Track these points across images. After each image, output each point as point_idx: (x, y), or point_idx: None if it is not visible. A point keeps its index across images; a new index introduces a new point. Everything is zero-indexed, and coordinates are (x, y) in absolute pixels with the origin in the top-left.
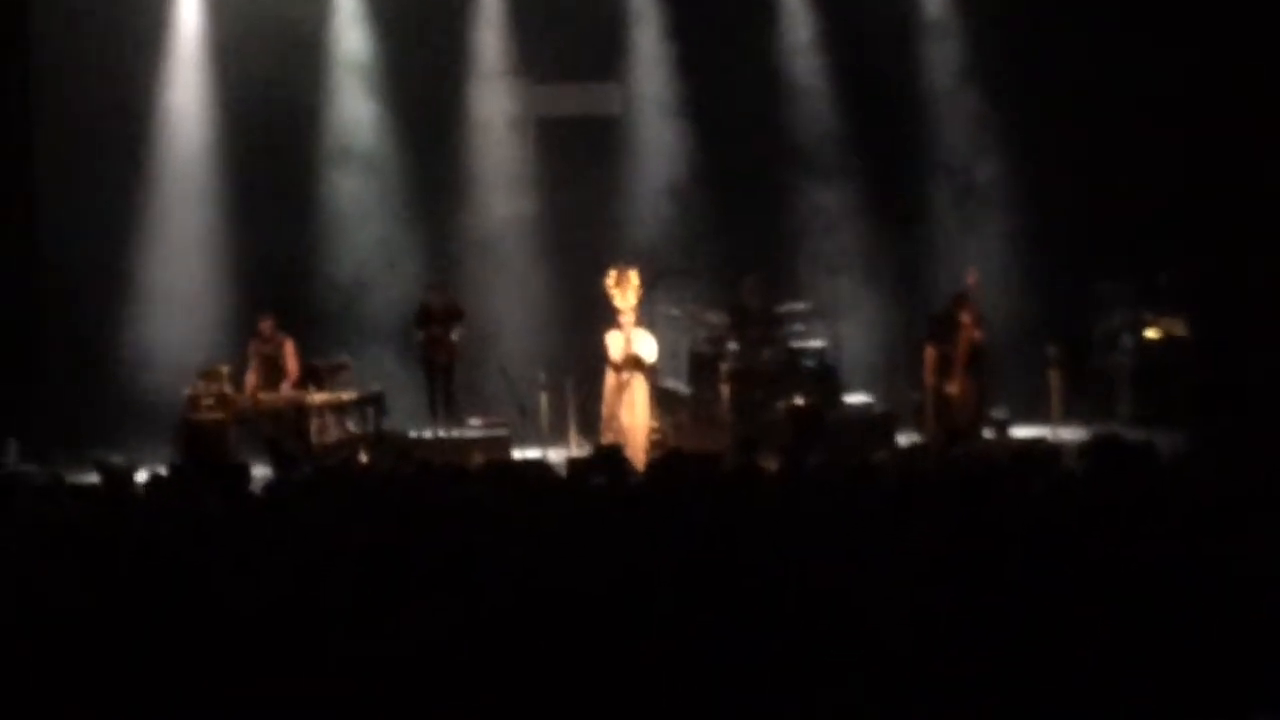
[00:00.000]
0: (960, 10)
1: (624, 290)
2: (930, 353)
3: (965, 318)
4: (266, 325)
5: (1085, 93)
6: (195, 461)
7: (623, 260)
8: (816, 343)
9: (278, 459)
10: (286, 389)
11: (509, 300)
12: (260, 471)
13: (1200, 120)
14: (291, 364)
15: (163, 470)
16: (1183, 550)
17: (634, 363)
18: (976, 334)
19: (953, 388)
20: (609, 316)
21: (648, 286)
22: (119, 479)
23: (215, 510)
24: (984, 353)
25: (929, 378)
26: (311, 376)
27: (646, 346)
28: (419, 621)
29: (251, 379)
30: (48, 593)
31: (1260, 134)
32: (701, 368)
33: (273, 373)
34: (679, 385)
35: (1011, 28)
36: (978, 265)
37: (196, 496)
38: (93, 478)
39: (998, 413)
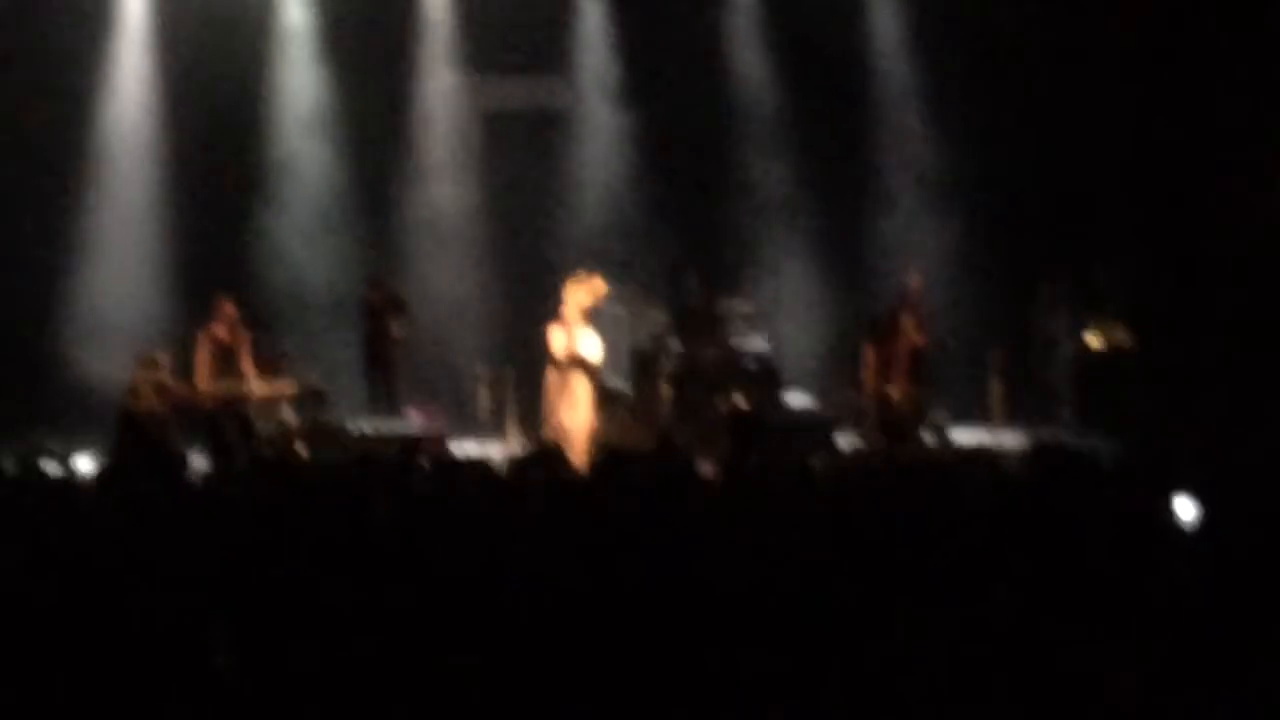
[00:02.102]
0: (909, 15)
1: (580, 291)
2: (870, 354)
3: (908, 320)
4: (230, 310)
5: (1034, 87)
6: (134, 451)
7: (585, 264)
8: (758, 342)
9: (217, 450)
10: (253, 382)
11: (451, 294)
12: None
13: (1145, 118)
14: (248, 359)
15: (102, 460)
16: (1123, 557)
17: (578, 362)
18: (919, 338)
19: (894, 391)
20: (551, 312)
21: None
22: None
23: (155, 500)
24: (925, 357)
25: (869, 380)
26: (262, 368)
27: (591, 345)
28: (361, 614)
29: (204, 368)
30: None
31: (1207, 130)
32: (642, 366)
33: (224, 363)
34: (620, 383)
35: (952, 11)
36: (920, 265)
37: (135, 486)
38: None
39: (937, 416)
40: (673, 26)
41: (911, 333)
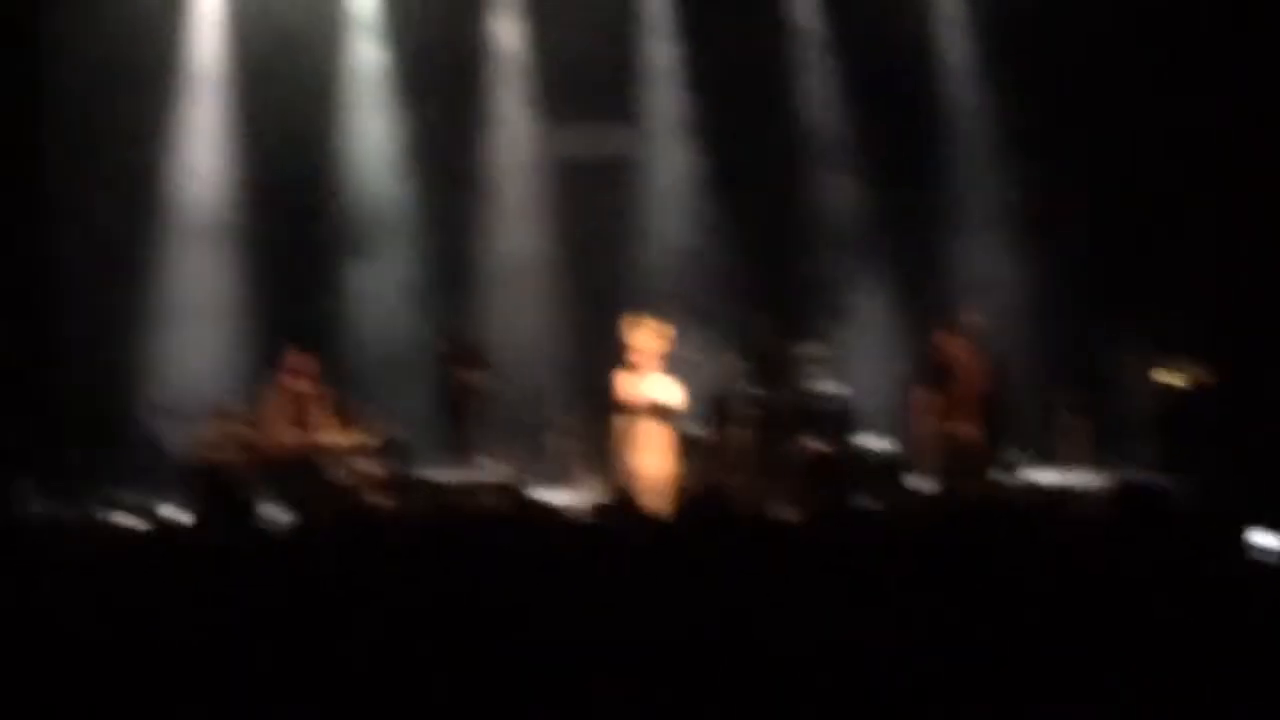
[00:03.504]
0: (978, 51)
1: (651, 337)
2: (921, 395)
3: (971, 359)
4: (304, 362)
5: (1103, 123)
6: (211, 504)
7: (656, 311)
8: (832, 386)
9: (295, 502)
10: (331, 433)
11: (526, 344)
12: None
13: (1226, 156)
14: (325, 410)
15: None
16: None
17: (652, 407)
18: (982, 378)
19: (966, 429)
20: (626, 360)
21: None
22: (168, 525)
23: (239, 553)
24: (991, 393)
25: (926, 422)
26: (341, 420)
27: (669, 390)
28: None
29: (278, 418)
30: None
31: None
32: (718, 411)
33: (300, 414)
34: (696, 429)
35: (1024, 50)
36: (982, 303)
37: (218, 538)
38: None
39: (1012, 456)
40: (741, 66)
41: (975, 369)
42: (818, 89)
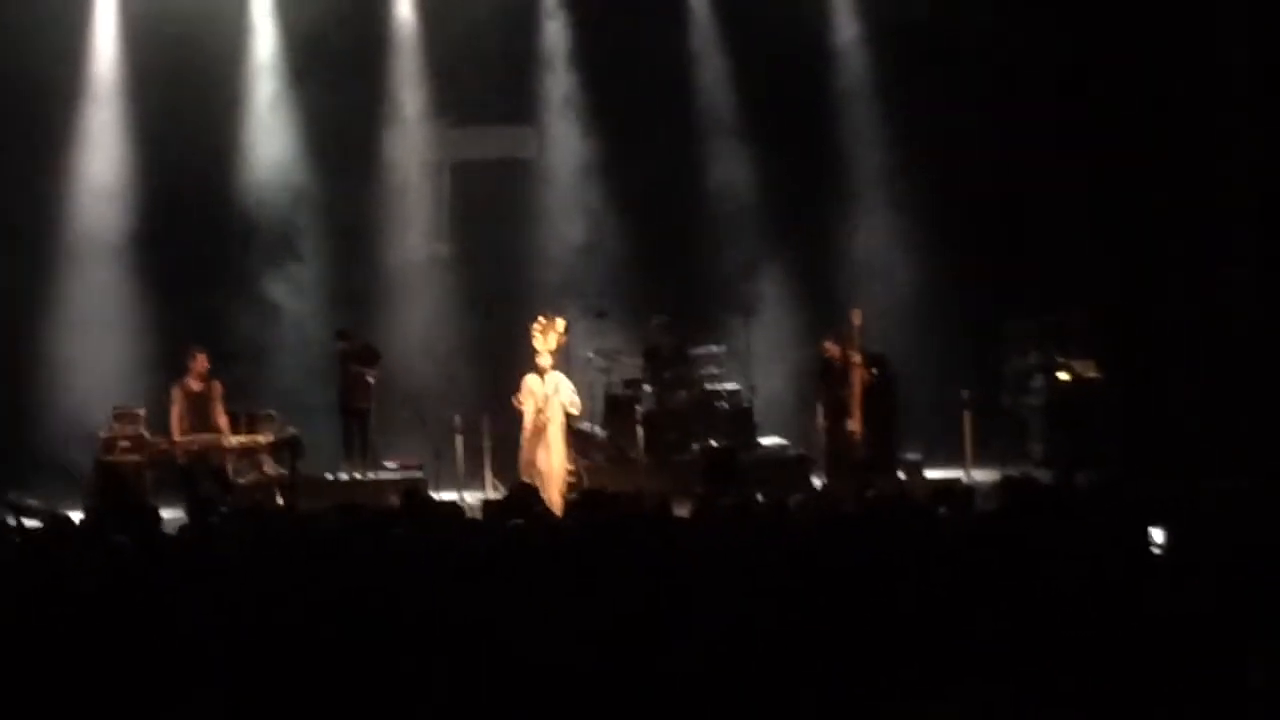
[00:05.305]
0: (871, 45)
1: (547, 336)
2: (820, 395)
3: (855, 357)
4: (202, 361)
5: (998, 124)
6: (109, 504)
7: (549, 307)
8: (731, 385)
9: (193, 501)
10: (224, 435)
11: (424, 343)
12: (175, 514)
13: (1112, 156)
14: (221, 410)
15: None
16: (1094, 592)
17: (556, 408)
18: (867, 375)
19: (853, 425)
20: (526, 359)
21: (574, 326)
22: (60, 522)
23: (130, 553)
24: (879, 391)
25: (823, 420)
26: (239, 424)
27: (566, 390)
28: (339, 662)
29: (177, 420)
30: None
31: (1174, 170)
32: (616, 410)
33: (198, 415)
34: (594, 427)
35: (918, 53)
36: (883, 297)
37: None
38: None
39: (911, 454)
40: (635, 51)
41: (861, 369)
42: (712, 72)
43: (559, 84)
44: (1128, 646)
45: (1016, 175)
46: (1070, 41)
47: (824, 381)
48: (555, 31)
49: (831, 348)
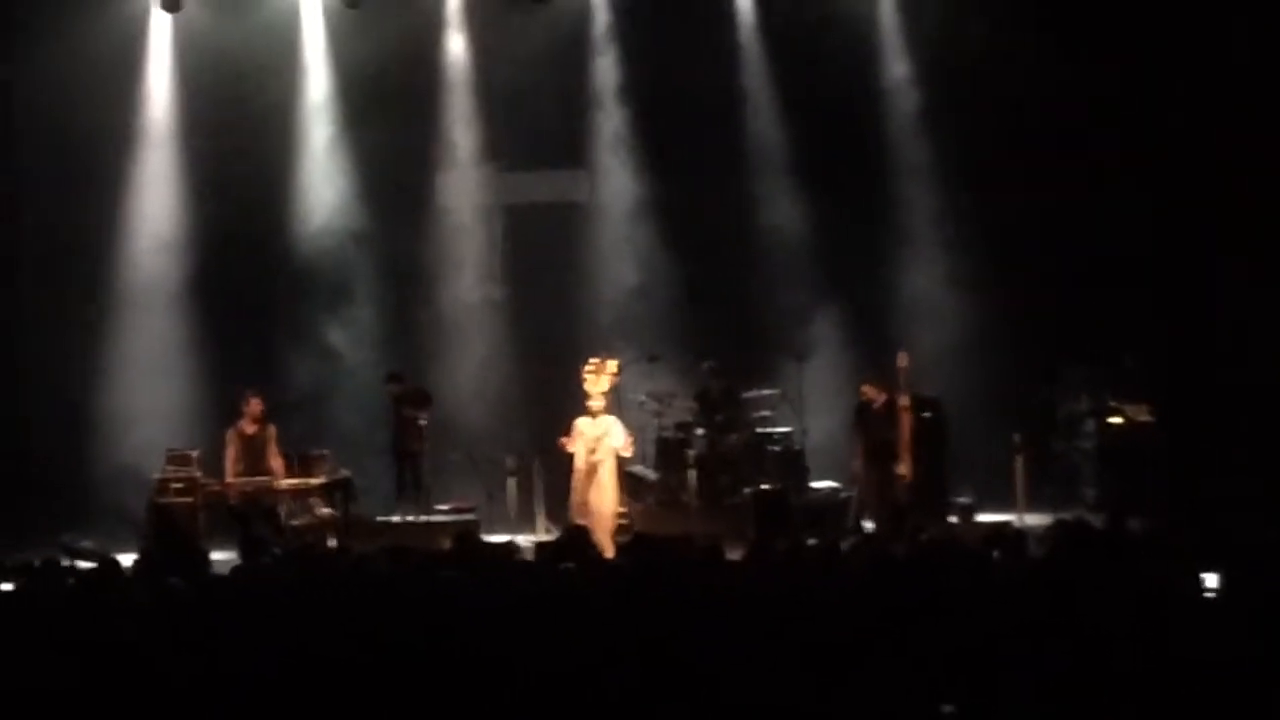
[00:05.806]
0: (922, 84)
1: (599, 378)
2: (859, 439)
3: (903, 399)
4: (256, 405)
5: (1050, 165)
6: (162, 546)
7: (603, 349)
8: (783, 428)
9: (246, 544)
10: (277, 477)
11: (476, 386)
12: (228, 555)
13: (1168, 200)
14: (275, 452)
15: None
16: (1146, 636)
17: (608, 451)
18: (913, 415)
19: (903, 469)
20: (577, 402)
21: (626, 369)
22: (110, 564)
23: (182, 594)
24: (929, 434)
25: (862, 465)
26: (293, 466)
27: (618, 433)
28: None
29: (232, 463)
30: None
31: (1230, 219)
32: (668, 453)
33: (253, 458)
34: (646, 470)
35: (969, 92)
36: (935, 340)
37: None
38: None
39: (962, 498)
40: (687, 92)
41: (909, 413)
42: (763, 111)
43: (610, 120)
44: (1180, 692)
45: (1069, 217)
46: (1126, 80)
47: (860, 423)
48: (606, 68)
49: (870, 390)
